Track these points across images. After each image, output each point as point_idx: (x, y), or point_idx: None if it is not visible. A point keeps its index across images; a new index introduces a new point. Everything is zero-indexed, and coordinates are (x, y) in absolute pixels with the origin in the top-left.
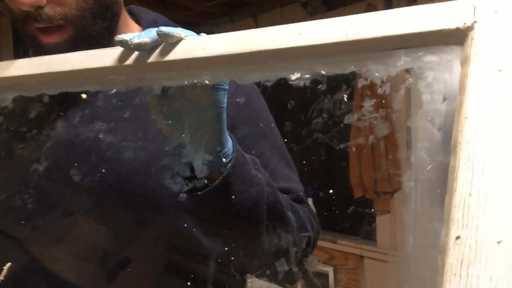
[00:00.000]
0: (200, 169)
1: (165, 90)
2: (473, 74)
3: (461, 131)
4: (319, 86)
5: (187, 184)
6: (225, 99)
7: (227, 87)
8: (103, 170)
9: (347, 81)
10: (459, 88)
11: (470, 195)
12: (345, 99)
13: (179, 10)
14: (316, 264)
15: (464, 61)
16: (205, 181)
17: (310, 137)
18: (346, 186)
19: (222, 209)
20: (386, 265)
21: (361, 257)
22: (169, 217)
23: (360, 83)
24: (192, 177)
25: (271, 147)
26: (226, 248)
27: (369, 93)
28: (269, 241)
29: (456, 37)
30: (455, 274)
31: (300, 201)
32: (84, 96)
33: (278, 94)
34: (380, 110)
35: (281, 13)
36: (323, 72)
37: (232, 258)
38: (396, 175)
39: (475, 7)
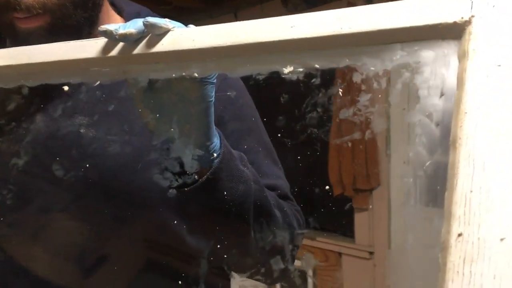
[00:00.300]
0: (190, 164)
1: (151, 82)
2: (471, 69)
3: (461, 126)
4: (300, 83)
5: (176, 180)
6: (213, 93)
7: (215, 80)
8: (85, 166)
9: (326, 79)
10: (457, 83)
11: (471, 191)
12: (326, 97)
13: (158, 4)
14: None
15: (462, 56)
16: (195, 176)
17: (289, 134)
18: (325, 184)
19: (209, 205)
20: (365, 262)
21: (340, 254)
22: (153, 213)
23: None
24: (181, 173)
25: (257, 143)
26: (211, 246)
27: (349, 92)
28: (255, 239)
29: (453, 32)
30: (457, 272)
31: (286, 198)
32: (66, 88)
33: (257, 89)
34: (361, 108)
35: (261, 10)
36: (317, 66)
37: (217, 255)
38: (375, 173)
39: (472, 2)
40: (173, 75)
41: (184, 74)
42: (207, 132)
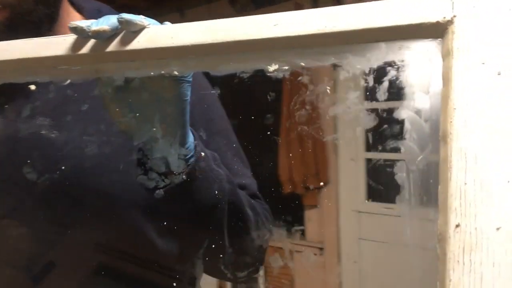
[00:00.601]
0: (177, 164)
1: (124, 82)
2: (458, 67)
3: (451, 122)
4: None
5: (163, 180)
6: (189, 92)
7: (191, 79)
8: (47, 169)
9: (274, 80)
10: (443, 80)
11: (465, 184)
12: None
13: (101, 1)
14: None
15: (446, 54)
16: (183, 177)
17: (240, 133)
18: (275, 182)
19: (183, 206)
20: (315, 258)
21: (290, 251)
22: (121, 216)
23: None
24: (160, 174)
25: (225, 143)
26: (181, 248)
27: (298, 92)
28: (228, 239)
29: (436, 31)
30: (458, 261)
31: (255, 196)
32: (33, 87)
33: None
34: (309, 108)
35: (208, 9)
36: (302, 64)
37: (189, 257)
38: (324, 171)
39: (453, 2)
40: (151, 73)
41: (163, 72)
42: (183, 131)
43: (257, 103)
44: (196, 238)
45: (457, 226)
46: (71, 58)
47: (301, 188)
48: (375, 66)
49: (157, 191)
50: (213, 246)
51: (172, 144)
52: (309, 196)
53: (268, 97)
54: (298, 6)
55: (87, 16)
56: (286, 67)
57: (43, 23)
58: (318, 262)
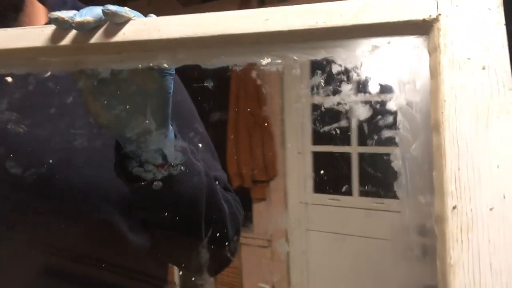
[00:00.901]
0: (174, 156)
1: (104, 74)
2: (445, 61)
3: (442, 113)
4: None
5: (161, 172)
6: (172, 85)
7: (174, 72)
8: (17, 164)
9: (222, 74)
10: (431, 74)
11: (459, 169)
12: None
13: None
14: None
15: (433, 50)
16: (182, 168)
17: None
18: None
19: (164, 199)
20: (263, 250)
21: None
22: (94, 212)
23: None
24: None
25: (196, 137)
26: (155, 244)
27: (246, 87)
28: (205, 231)
29: (422, 28)
30: (456, 240)
31: (226, 189)
32: (9, 79)
33: None
34: (257, 102)
35: (148, 2)
36: (295, 58)
37: (163, 252)
38: (272, 164)
39: (437, 2)
40: (137, 66)
41: (151, 65)
42: (166, 124)
43: (205, 98)
44: (173, 232)
45: (454, 208)
46: (51, 49)
47: (250, 182)
48: (364, 60)
49: (155, 183)
50: (191, 238)
51: (167, 136)
52: (257, 189)
53: (216, 91)
54: (243, 2)
55: (49, 7)
56: (279, 61)
57: (10, 13)
58: (266, 254)
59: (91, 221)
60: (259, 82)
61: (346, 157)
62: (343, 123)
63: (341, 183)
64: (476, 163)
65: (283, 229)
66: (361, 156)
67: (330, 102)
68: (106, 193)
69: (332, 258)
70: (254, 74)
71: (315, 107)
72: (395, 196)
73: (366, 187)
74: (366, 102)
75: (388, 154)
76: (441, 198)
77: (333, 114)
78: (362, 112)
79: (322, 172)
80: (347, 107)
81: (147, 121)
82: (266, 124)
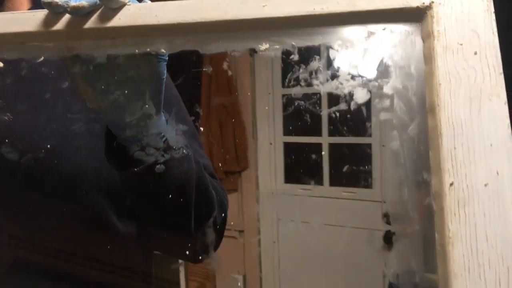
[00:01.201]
0: (175, 140)
1: (99, 60)
2: (439, 47)
3: (437, 95)
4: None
5: (162, 155)
6: (165, 70)
7: (167, 57)
8: (5, 151)
9: (193, 64)
10: (425, 59)
11: (455, 148)
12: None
13: None
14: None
15: (427, 36)
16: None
17: None
18: None
19: (154, 185)
20: (235, 241)
21: None
22: (83, 200)
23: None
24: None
25: (182, 124)
26: (144, 231)
27: (218, 79)
28: (195, 218)
29: (416, 15)
30: (454, 214)
31: (213, 176)
32: (0, 64)
33: None
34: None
35: None
36: (293, 43)
37: (155, 239)
38: (244, 155)
39: None
40: (133, 51)
41: (148, 50)
42: (159, 110)
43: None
44: (163, 218)
45: (451, 184)
46: (44, 34)
47: (221, 173)
48: (360, 45)
49: (158, 166)
50: (181, 224)
51: (169, 120)
52: (229, 180)
53: (188, 83)
54: None
55: None
56: (277, 46)
57: None
58: (238, 245)
59: (80, 209)
60: (230, 73)
61: (317, 147)
62: (315, 112)
63: (312, 173)
64: (471, 142)
65: (255, 220)
66: (332, 146)
67: (302, 91)
68: (95, 182)
69: (303, 247)
70: (225, 65)
71: (287, 98)
72: (365, 186)
73: (336, 177)
74: (364, 86)
75: (359, 145)
76: (438, 176)
77: (305, 105)
78: (361, 96)
79: (293, 162)
80: (322, 93)
81: (146, 106)
82: (237, 115)
